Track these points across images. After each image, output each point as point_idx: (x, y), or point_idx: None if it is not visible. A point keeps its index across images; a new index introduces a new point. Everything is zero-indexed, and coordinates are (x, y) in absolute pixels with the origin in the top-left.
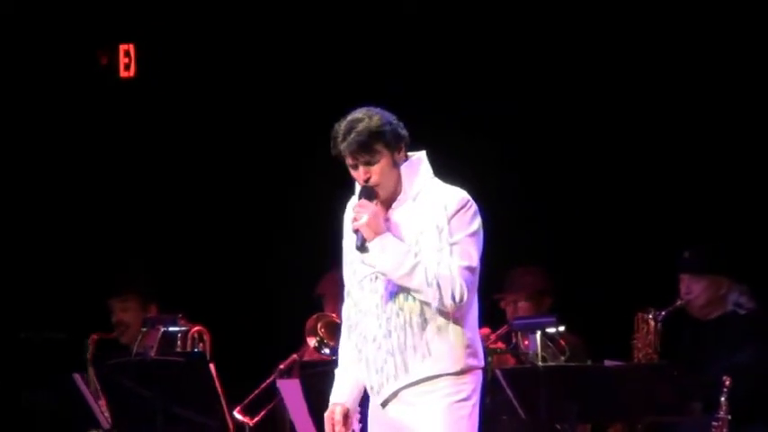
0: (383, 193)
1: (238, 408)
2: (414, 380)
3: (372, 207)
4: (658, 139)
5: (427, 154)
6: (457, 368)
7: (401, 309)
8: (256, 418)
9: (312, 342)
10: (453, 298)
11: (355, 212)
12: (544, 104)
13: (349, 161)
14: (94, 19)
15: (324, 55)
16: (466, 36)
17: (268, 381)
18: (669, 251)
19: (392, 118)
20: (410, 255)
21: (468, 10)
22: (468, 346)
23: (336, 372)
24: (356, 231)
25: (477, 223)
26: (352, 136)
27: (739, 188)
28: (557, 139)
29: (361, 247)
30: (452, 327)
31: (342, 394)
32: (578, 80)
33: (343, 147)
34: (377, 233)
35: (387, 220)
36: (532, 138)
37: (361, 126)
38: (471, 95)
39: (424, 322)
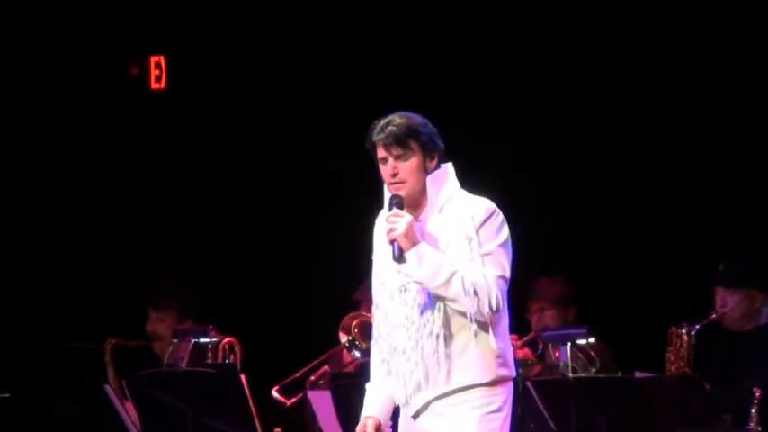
0: (407, 195)
1: (276, 387)
2: (444, 391)
3: (407, 216)
4: (696, 150)
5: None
6: (488, 378)
7: (430, 319)
8: (293, 399)
9: (343, 339)
10: (491, 306)
11: (390, 223)
12: (571, 110)
13: (381, 154)
14: (126, 31)
15: (343, 60)
16: (468, 35)
17: (308, 367)
18: (702, 264)
19: (431, 126)
20: (447, 264)
21: (471, 9)
22: (498, 356)
23: (367, 385)
24: (393, 242)
25: (506, 232)
26: (389, 128)
27: None
28: (588, 144)
29: (399, 258)
30: (482, 337)
31: (373, 407)
32: (607, 84)
33: (379, 137)
34: (413, 243)
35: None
36: (560, 140)
37: (400, 121)
38: (484, 97)
39: (454, 333)
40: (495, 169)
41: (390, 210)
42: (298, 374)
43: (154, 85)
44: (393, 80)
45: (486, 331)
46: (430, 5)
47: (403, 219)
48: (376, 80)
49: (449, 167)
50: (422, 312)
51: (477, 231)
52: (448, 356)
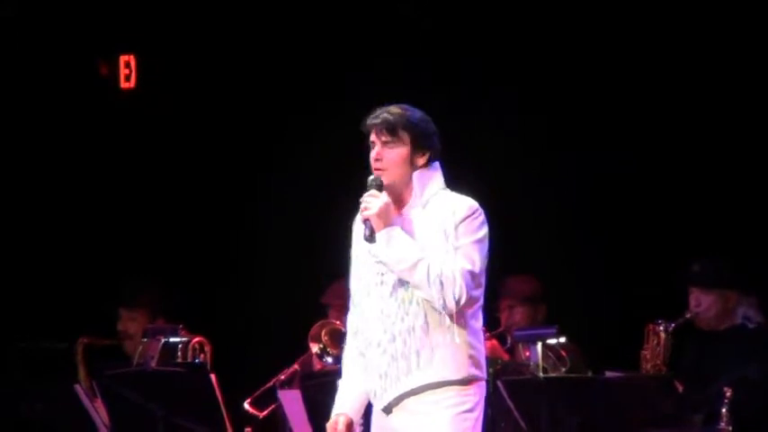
0: (388, 184)
1: (248, 400)
2: (415, 386)
3: (383, 197)
4: (670, 149)
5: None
6: (459, 376)
7: (406, 314)
8: (265, 412)
9: (315, 349)
10: (455, 298)
11: (365, 202)
12: (545, 105)
13: (371, 137)
14: (95, 30)
15: (322, 61)
16: (465, 35)
17: (275, 379)
18: (675, 263)
19: (431, 124)
20: (415, 249)
21: (466, 9)
22: (470, 356)
23: (339, 382)
24: (366, 221)
25: (484, 232)
26: (384, 115)
27: (750, 200)
28: (562, 143)
29: (370, 237)
30: (456, 335)
31: (345, 404)
32: (579, 78)
33: (372, 122)
34: (386, 224)
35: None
36: (535, 140)
37: (396, 110)
38: (463, 97)
39: (428, 328)
40: (474, 164)
41: (369, 190)
42: (269, 384)
43: (123, 84)
44: (380, 81)
45: (460, 330)
46: (426, 5)
47: (378, 199)
48: (362, 81)
49: (437, 166)
50: (398, 307)
51: (456, 227)
52: (421, 351)
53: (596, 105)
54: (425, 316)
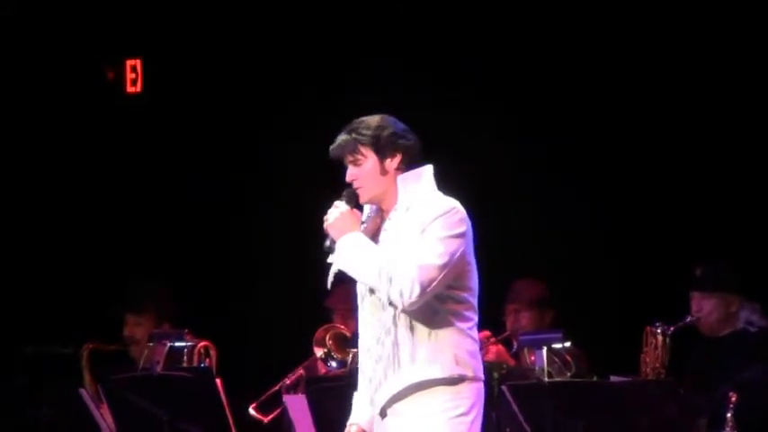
0: (369, 199)
1: (254, 404)
2: (400, 388)
3: (342, 207)
4: (672, 152)
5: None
6: (443, 375)
7: (390, 317)
8: (270, 416)
9: (319, 353)
10: (401, 294)
11: (327, 214)
12: (547, 110)
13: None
14: (102, 34)
15: (324, 62)
16: (464, 36)
17: (280, 384)
18: (678, 267)
19: (396, 127)
20: (369, 253)
21: (459, 8)
22: (455, 355)
23: (355, 393)
24: (326, 231)
25: (459, 230)
26: (339, 137)
27: (753, 203)
28: (564, 148)
29: (329, 248)
30: (440, 334)
31: (358, 414)
32: (582, 81)
33: (331, 149)
34: (343, 232)
35: (385, 230)
36: (538, 145)
37: (354, 126)
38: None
39: (412, 330)
40: (476, 166)
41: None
42: (274, 389)
43: (130, 89)
44: (382, 81)
45: (439, 328)
46: (419, 5)
47: (337, 209)
48: (363, 80)
49: (424, 170)
50: (384, 311)
51: (428, 225)
52: (404, 353)
53: (600, 108)
54: (409, 319)
